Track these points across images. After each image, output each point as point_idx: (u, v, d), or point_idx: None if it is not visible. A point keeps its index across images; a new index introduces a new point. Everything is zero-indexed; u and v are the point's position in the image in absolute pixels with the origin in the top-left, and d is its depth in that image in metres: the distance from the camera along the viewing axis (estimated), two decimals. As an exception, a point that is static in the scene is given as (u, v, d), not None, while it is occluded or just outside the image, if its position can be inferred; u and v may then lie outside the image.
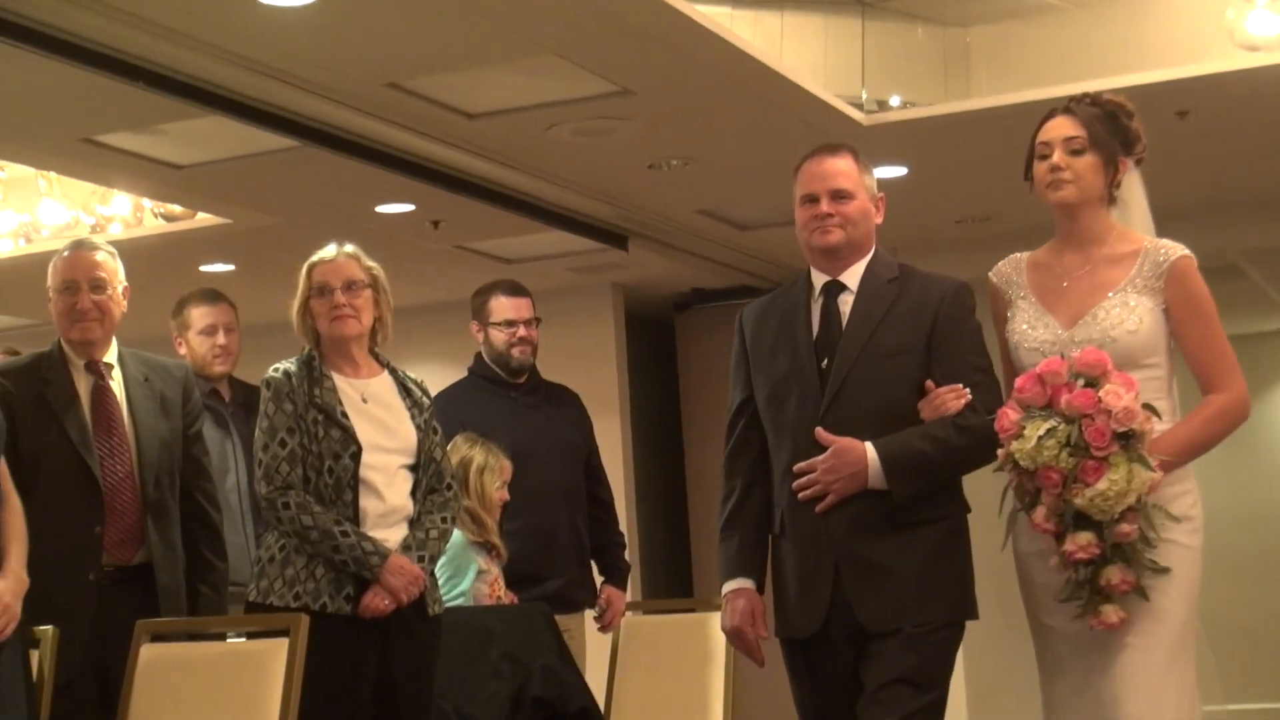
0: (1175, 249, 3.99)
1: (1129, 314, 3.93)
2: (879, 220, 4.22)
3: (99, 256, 4.79)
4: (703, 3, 6.10)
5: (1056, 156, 4.01)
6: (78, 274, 4.74)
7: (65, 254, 4.82)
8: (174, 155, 7.14)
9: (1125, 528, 3.72)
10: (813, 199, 4.14)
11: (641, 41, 6.09)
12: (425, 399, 4.78)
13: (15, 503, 3.84)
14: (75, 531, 4.16)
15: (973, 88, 7.53)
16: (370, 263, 4.73)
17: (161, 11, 5.56)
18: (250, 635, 4.37)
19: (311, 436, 4.52)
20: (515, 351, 6.16)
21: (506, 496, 5.77)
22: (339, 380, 4.63)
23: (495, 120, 6.88)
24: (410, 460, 4.65)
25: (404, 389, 4.74)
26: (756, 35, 6.68)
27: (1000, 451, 3.81)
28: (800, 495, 4.03)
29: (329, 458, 4.51)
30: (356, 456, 4.52)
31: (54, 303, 4.77)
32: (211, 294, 6.02)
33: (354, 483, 4.52)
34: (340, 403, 4.58)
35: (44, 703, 4.02)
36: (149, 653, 4.24)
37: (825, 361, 4.08)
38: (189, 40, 5.83)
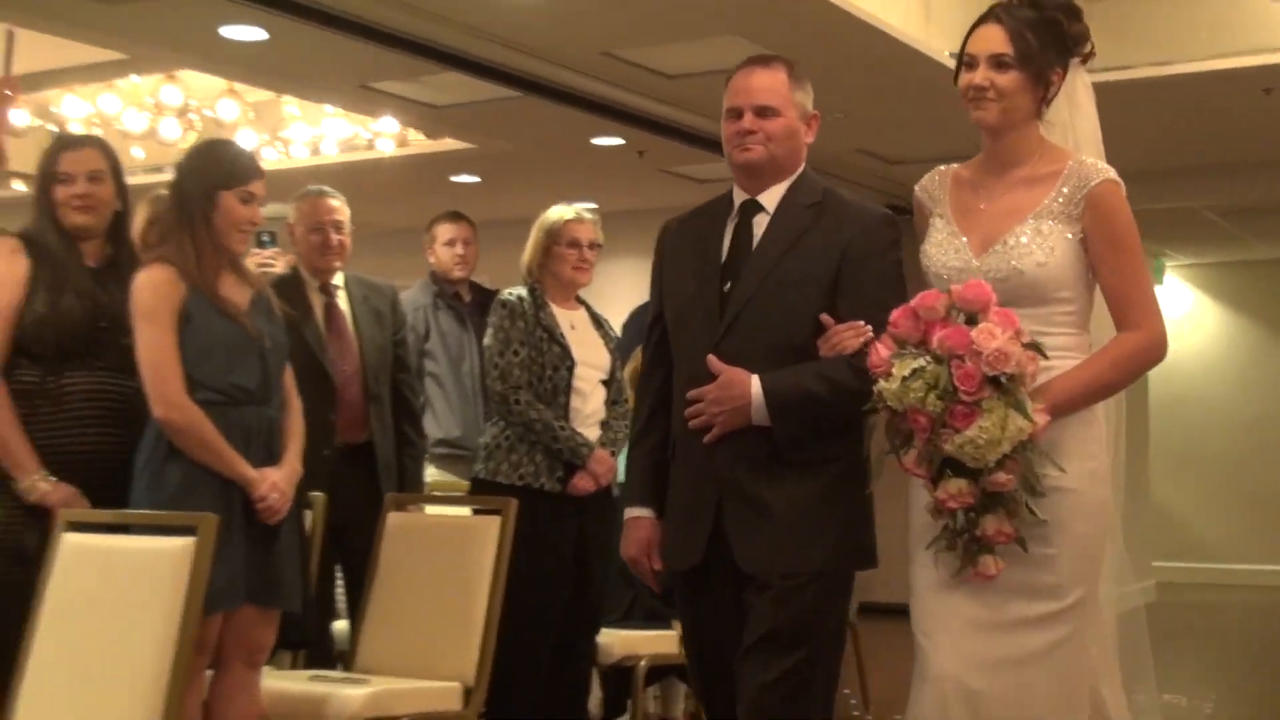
0: (1099, 172, 3.03)
1: (1040, 244, 2.99)
2: (809, 140, 3.31)
3: (338, 203, 4.87)
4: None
5: (980, 74, 3.04)
6: (324, 218, 4.82)
7: (311, 199, 4.88)
8: (431, 98, 7.32)
9: (1001, 477, 2.83)
10: (736, 113, 3.25)
11: (805, 26, 6.18)
12: (611, 330, 4.95)
13: (296, 404, 3.88)
14: (314, 418, 4.11)
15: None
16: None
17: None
18: (475, 511, 4.53)
19: (537, 350, 4.69)
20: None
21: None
22: (555, 309, 4.79)
23: (689, 80, 6.98)
24: (604, 376, 4.82)
25: (596, 321, 4.90)
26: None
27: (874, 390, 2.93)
28: (690, 424, 3.20)
29: (549, 368, 4.68)
30: (571, 369, 4.70)
31: (302, 238, 4.84)
32: (455, 215, 6.00)
33: (567, 389, 4.70)
34: (558, 326, 4.75)
35: (314, 554, 4.16)
36: (394, 520, 4.40)
37: (728, 285, 3.22)
38: (442, 17, 6.04)
